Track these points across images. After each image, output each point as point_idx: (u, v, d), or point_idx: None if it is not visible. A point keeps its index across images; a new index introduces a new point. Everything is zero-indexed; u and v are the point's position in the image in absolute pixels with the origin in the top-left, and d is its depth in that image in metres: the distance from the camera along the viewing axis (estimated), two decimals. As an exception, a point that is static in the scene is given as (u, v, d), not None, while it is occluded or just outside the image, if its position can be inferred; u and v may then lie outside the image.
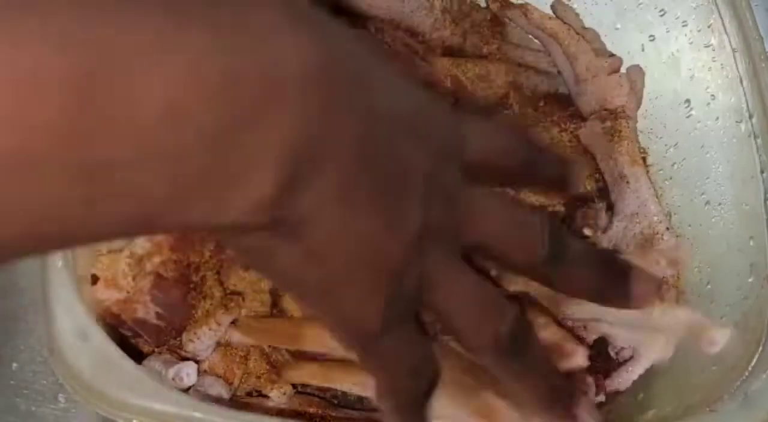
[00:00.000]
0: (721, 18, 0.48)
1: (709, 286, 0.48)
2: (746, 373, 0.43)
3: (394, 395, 0.33)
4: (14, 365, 0.48)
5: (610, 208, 0.49)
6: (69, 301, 0.38)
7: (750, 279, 0.46)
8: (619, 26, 0.53)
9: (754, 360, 0.43)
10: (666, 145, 0.51)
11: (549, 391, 0.34)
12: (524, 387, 0.34)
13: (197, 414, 0.39)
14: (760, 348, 0.44)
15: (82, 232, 0.23)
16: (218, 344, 0.45)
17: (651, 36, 0.51)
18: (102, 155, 0.21)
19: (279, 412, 0.44)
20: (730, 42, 0.48)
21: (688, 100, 0.50)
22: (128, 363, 0.39)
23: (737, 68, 0.47)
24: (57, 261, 0.38)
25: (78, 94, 0.20)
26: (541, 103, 0.51)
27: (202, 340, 0.45)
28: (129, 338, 0.44)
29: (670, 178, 0.50)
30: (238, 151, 0.23)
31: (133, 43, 0.21)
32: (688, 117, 0.50)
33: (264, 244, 0.28)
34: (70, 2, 0.21)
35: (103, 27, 0.21)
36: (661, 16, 0.51)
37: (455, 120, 0.32)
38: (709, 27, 0.48)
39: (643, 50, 0.52)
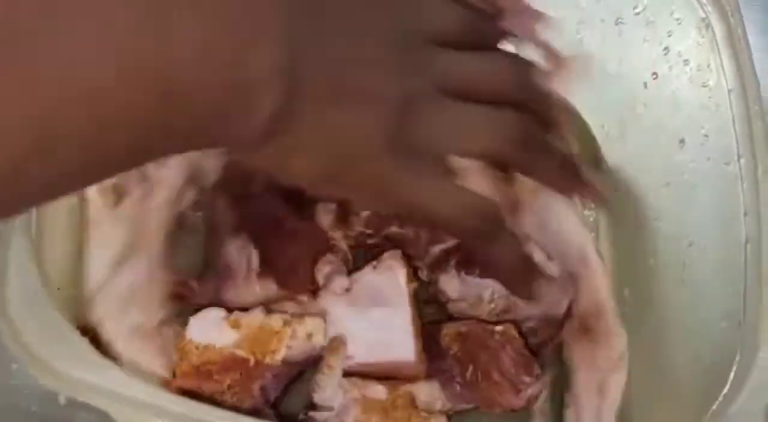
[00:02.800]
0: (720, 57, 0.47)
1: (682, 328, 0.46)
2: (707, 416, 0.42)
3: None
4: (14, 366, 0.49)
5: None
6: (22, 264, 0.39)
7: (723, 324, 0.44)
8: (624, 62, 0.52)
9: (715, 405, 0.42)
10: (658, 184, 0.50)
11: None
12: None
13: (140, 394, 0.39)
14: (724, 390, 0.43)
15: (158, 140, 0.30)
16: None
17: (654, 74, 0.51)
18: (170, 83, 0.28)
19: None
20: (726, 82, 0.47)
21: (683, 140, 0.49)
22: (76, 335, 0.40)
23: (731, 109, 0.46)
24: (14, 223, 0.40)
25: (153, 39, 0.28)
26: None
27: (324, 389, 0.47)
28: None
29: (658, 218, 0.50)
30: (251, 67, 0.31)
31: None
32: (681, 157, 0.49)
33: (280, 150, 0.34)
34: None
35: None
36: (665, 54, 0.50)
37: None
38: (708, 66, 0.48)
39: (646, 87, 0.51)
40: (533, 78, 0.42)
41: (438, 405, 0.48)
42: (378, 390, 0.47)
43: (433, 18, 0.39)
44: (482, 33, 0.41)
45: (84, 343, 0.40)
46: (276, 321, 0.47)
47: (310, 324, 0.47)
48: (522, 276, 0.44)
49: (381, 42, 0.36)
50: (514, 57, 0.43)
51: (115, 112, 0.27)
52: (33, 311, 0.39)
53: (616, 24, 0.52)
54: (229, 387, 0.46)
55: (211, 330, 0.46)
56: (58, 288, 0.44)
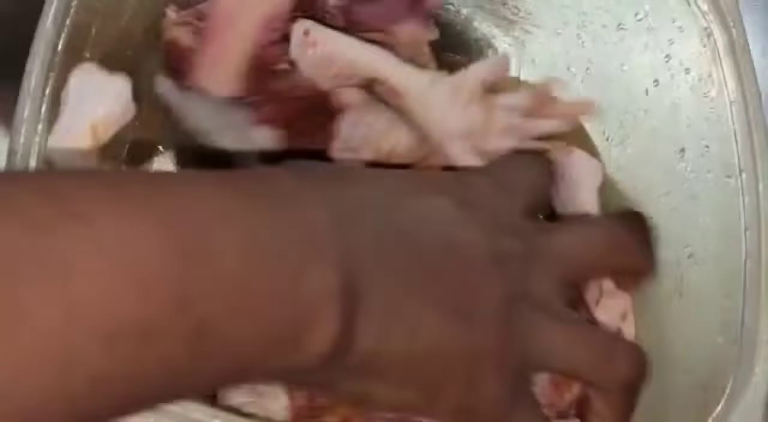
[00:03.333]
0: (722, 68, 0.47)
1: (678, 341, 0.46)
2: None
3: None
4: None
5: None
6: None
7: (719, 340, 0.44)
8: (625, 68, 0.52)
9: (710, 420, 0.42)
10: (658, 193, 0.50)
11: None
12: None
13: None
14: (719, 407, 0.43)
15: (187, 386, 0.27)
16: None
17: (655, 81, 0.50)
18: (205, 317, 0.25)
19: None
20: (728, 93, 0.46)
21: (683, 149, 0.49)
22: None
23: (732, 121, 0.46)
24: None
25: (182, 264, 0.24)
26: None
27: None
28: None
29: (657, 227, 0.49)
30: (301, 300, 0.27)
31: (212, 214, 0.26)
32: (682, 167, 0.49)
33: (332, 375, 0.30)
34: (160, 192, 0.25)
35: (187, 202, 0.26)
36: (666, 61, 0.50)
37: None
38: (709, 77, 0.47)
39: (647, 94, 0.51)
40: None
41: None
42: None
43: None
44: None
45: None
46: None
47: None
48: None
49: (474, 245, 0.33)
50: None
51: (134, 353, 0.24)
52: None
53: (618, 30, 0.51)
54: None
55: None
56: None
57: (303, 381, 0.32)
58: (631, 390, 0.37)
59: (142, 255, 0.24)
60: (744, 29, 0.47)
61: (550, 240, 0.36)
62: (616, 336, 0.38)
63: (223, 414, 0.39)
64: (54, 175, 0.27)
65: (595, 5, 0.52)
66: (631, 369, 0.37)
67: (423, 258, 0.31)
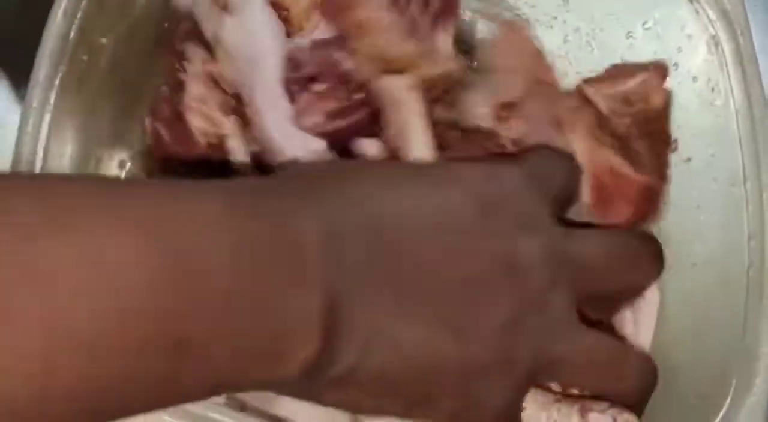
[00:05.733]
0: (729, 76, 0.47)
1: (680, 351, 0.46)
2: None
3: None
4: None
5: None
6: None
7: (721, 349, 0.44)
8: (634, 76, 0.51)
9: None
10: (665, 202, 0.49)
11: None
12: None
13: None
14: (720, 416, 0.43)
15: (166, 397, 0.27)
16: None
17: (664, 89, 0.50)
18: (185, 332, 0.25)
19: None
20: (734, 102, 0.46)
21: (689, 158, 0.49)
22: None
23: (738, 130, 0.46)
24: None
25: (166, 280, 0.24)
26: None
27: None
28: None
29: (660, 236, 0.49)
30: (283, 318, 0.27)
31: (200, 229, 0.25)
32: (687, 175, 0.48)
33: (313, 387, 0.30)
34: (146, 203, 0.25)
35: (176, 216, 0.25)
36: (675, 70, 0.50)
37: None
38: (717, 85, 0.47)
39: (654, 102, 0.51)
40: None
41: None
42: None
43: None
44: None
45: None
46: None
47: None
48: None
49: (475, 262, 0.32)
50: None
51: (111, 364, 0.24)
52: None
53: (627, 38, 0.51)
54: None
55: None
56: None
57: (286, 391, 0.32)
58: (639, 404, 0.37)
59: (126, 267, 0.23)
60: (752, 38, 0.46)
61: (574, 247, 0.35)
62: (628, 350, 0.37)
63: (219, 408, 0.40)
64: (49, 180, 0.27)
65: (605, 13, 0.52)
66: (641, 386, 0.37)
67: (419, 273, 0.30)
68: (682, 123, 0.49)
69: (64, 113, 0.43)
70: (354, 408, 0.33)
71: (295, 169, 0.33)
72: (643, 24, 0.50)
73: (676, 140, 0.49)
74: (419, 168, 0.35)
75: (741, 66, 0.46)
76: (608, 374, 0.35)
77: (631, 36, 0.51)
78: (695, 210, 0.48)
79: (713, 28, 0.48)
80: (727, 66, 0.47)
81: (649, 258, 0.38)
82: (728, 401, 0.43)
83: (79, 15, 0.42)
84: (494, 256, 0.32)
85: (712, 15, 0.48)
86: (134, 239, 0.24)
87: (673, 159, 0.49)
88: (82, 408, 0.24)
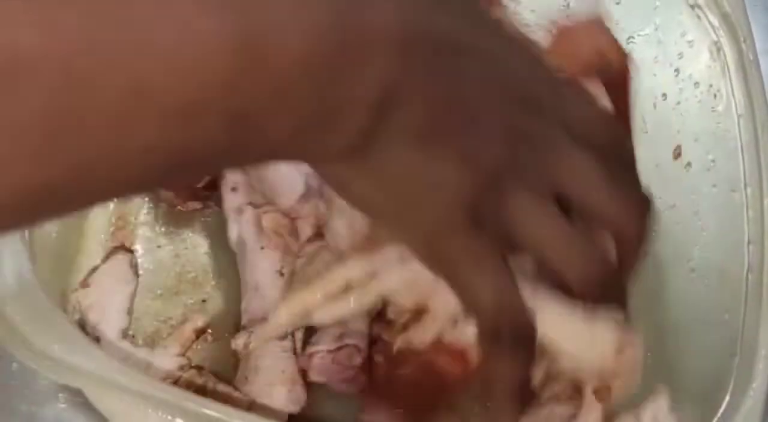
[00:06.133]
0: (731, 82, 0.47)
1: (678, 353, 0.46)
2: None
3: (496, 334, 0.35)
4: (14, 365, 0.48)
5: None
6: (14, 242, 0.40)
7: (719, 353, 0.44)
8: (634, 80, 0.52)
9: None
10: (664, 206, 0.50)
11: None
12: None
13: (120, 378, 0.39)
14: (716, 419, 0.43)
15: (224, 163, 0.31)
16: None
17: (664, 94, 0.51)
18: (248, 104, 0.26)
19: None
20: (735, 108, 0.46)
21: (689, 163, 0.49)
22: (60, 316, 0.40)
23: (739, 136, 0.46)
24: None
25: (234, 55, 0.25)
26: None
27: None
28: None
29: (661, 240, 0.49)
30: (339, 95, 0.28)
31: (277, 17, 0.26)
32: (688, 180, 0.49)
33: (345, 173, 0.32)
34: None
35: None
36: (676, 75, 0.50)
37: (551, 86, 0.35)
38: (718, 91, 0.47)
39: (655, 108, 0.51)
40: (647, 221, 0.37)
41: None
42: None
43: (575, 111, 0.35)
44: (618, 155, 0.37)
45: (66, 323, 0.40)
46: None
47: None
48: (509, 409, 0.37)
49: (503, 101, 0.33)
50: (642, 195, 0.38)
51: (179, 131, 0.26)
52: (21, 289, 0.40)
53: (628, 43, 0.51)
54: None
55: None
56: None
57: (320, 170, 0.34)
58: (641, 230, 0.37)
59: (205, 40, 0.25)
60: (754, 44, 0.47)
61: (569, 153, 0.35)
62: (593, 244, 0.36)
63: (208, 402, 0.40)
64: None
65: (607, 17, 0.52)
66: (642, 207, 0.37)
67: (459, 93, 0.32)
68: (683, 128, 0.50)
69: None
70: (370, 208, 0.34)
71: None
72: (645, 29, 0.51)
73: (679, 146, 0.49)
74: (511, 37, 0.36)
75: (743, 72, 0.46)
76: (610, 186, 0.35)
77: (632, 41, 0.52)
78: (695, 215, 0.48)
79: (715, 34, 0.48)
80: (729, 72, 0.47)
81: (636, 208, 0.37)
82: (725, 404, 0.43)
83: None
84: (503, 114, 0.33)
85: (714, 21, 0.48)
86: (219, 19, 0.25)
87: (674, 164, 0.49)
88: (149, 170, 0.26)
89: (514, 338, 0.35)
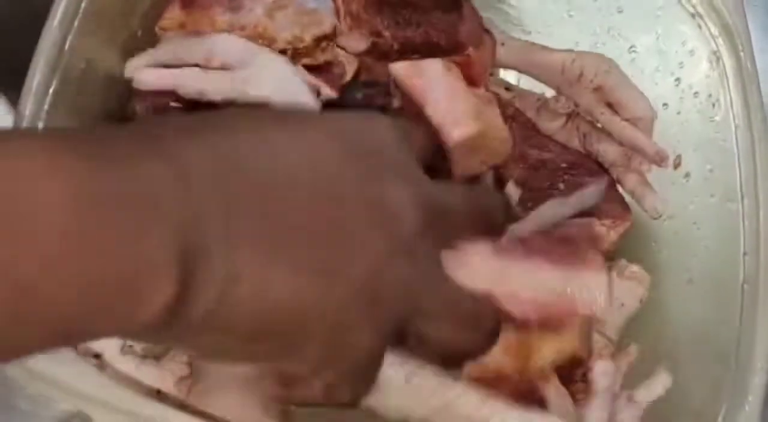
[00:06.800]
0: (729, 92, 0.46)
1: (674, 365, 0.46)
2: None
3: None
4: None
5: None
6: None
7: (715, 365, 0.44)
8: (636, 90, 0.52)
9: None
10: (662, 217, 0.49)
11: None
12: None
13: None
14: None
15: (6, 349, 0.26)
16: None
17: (665, 104, 0.50)
18: (24, 276, 0.24)
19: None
20: (733, 118, 0.46)
21: (688, 174, 0.48)
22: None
23: (737, 146, 0.46)
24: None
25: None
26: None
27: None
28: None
29: (660, 251, 0.49)
30: (134, 261, 0.26)
31: (40, 170, 0.24)
32: (686, 190, 0.48)
33: (207, 341, 0.29)
34: None
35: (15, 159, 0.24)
36: (677, 85, 0.50)
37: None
38: (717, 101, 0.47)
39: (656, 117, 0.51)
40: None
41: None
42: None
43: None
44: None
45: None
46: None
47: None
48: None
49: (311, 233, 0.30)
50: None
51: None
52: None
53: (629, 52, 0.51)
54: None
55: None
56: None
57: (145, 340, 0.32)
58: (483, 349, 0.36)
59: None
60: (753, 53, 0.46)
61: (441, 196, 0.34)
62: (482, 303, 0.35)
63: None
64: None
65: (607, 27, 0.52)
66: (490, 336, 0.35)
67: (283, 217, 0.29)
68: (683, 138, 0.49)
69: (57, 122, 0.43)
70: (225, 355, 0.32)
71: (158, 119, 0.32)
72: (646, 38, 0.51)
73: (679, 155, 0.49)
74: (287, 113, 0.35)
75: (741, 82, 0.46)
76: (466, 325, 0.34)
77: (633, 50, 0.51)
78: (692, 225, 0.48)
79: (715, 43, 0.48)
80: (728, 81, 0.46)
81: (498, 209, 0.37)
82: (721, 417, 0.43)
83: (75, 25, 0.42)
84: (363, 200, 0.31)
85: (714, 30, 0.48)
86: None
87: (674, 174, 0.49)
88: None
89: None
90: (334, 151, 0.31)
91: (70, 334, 0.26)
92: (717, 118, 0.47)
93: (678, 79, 0.50)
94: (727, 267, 0.45)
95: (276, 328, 0.30)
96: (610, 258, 0.46)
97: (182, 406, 0.45)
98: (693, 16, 0.49)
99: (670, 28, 0.50)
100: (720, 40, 0.47)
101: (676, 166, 0.49)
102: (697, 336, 0.46)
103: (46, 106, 0.41)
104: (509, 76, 0.53)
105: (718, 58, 0.47)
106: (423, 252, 0.32)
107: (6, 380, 0.48)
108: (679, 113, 0.50)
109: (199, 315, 0.28)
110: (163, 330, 0.28)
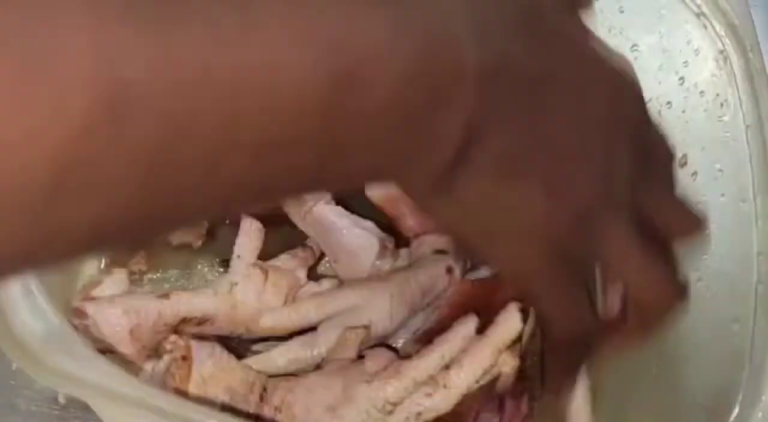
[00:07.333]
0: (738, 92, 0.47)
1: (686, 365, 0.46)
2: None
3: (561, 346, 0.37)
4: (14, 365, 0.47)
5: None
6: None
7: (728, 366, 0.44)
8: (638, 88, 0.51)
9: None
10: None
11: None
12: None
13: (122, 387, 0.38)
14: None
15: (309, 188, 0.30)
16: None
17: (668, 103, 0.50)
18: (343, 140, 0.26)
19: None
20: (744, 117, 0.46)
21: (695, 173, 0.48)
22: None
23: (748, 145, 0.46)
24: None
25: (329, 92, 0.25)
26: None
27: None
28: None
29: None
30: (426, 131, 0.28)
31: (365, 47, 0.26)
32: (694, 190, 0.48)
33: (431, 202, 0.32)
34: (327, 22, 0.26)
35: (334, 27, 0.26)
36: (681, 84, 0.49)
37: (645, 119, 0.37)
38: (725, 100, 0.47)
39: (659, 115, 0.50)
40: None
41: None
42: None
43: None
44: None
45: (72, 334, 0.39)
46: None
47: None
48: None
49: (587, 134, 0.33)
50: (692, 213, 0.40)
51: (268, 164, 0.26)
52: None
53: (632, 50, 0.51)
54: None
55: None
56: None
57: (423, 190, 0.32)
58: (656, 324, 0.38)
59: (301, 78, 0.25)
60: (761, 53, 0.46)
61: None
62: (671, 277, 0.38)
63: (219, 414, 0.39)
64: None
65: (609, 25, 0.51)
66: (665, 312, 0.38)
67: (543, 127, 0.32)
68: (688, 137, 0.49)
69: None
70: (461, 233, 0.34)
71: None
72: (649, 37, 0.50)
73: (685, 154, 0.48)
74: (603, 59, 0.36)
75: (751, 81, 0.46)
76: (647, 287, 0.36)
77: (636, 49, 0.51)
78: (702, 224, 0.48)
79: (721, 43, 0.48)
80: (736, 81, 0.46)
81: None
82: (733, 418, 0.43)
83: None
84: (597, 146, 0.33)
85: (720, 30, 0.48)
86: (311, 53, 0.25)
87: (680, 173, 0.49)
88: (231, 201, 0.26)
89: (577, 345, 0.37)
90: (604, 100, 0.34)
91: (357, 182, 0.32)
92: (726, 118, 0.47)
93: (682, 78, 0.50)
94: (739, 267, 0.45)
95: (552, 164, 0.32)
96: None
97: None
98: (698, 15, 0.49)
99: (674, 27, 0.50)
100: (727, 40, 0.47)
101: (682, 164, 0.49)
102: (709, 336, 0.46)
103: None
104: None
105: (726, 58, 0.47)
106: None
107: (7, 385, 0.48)
108: (683, 112, 0.50)
109: (487, 152, 0.30)
110: (427, 191, 0.31)
